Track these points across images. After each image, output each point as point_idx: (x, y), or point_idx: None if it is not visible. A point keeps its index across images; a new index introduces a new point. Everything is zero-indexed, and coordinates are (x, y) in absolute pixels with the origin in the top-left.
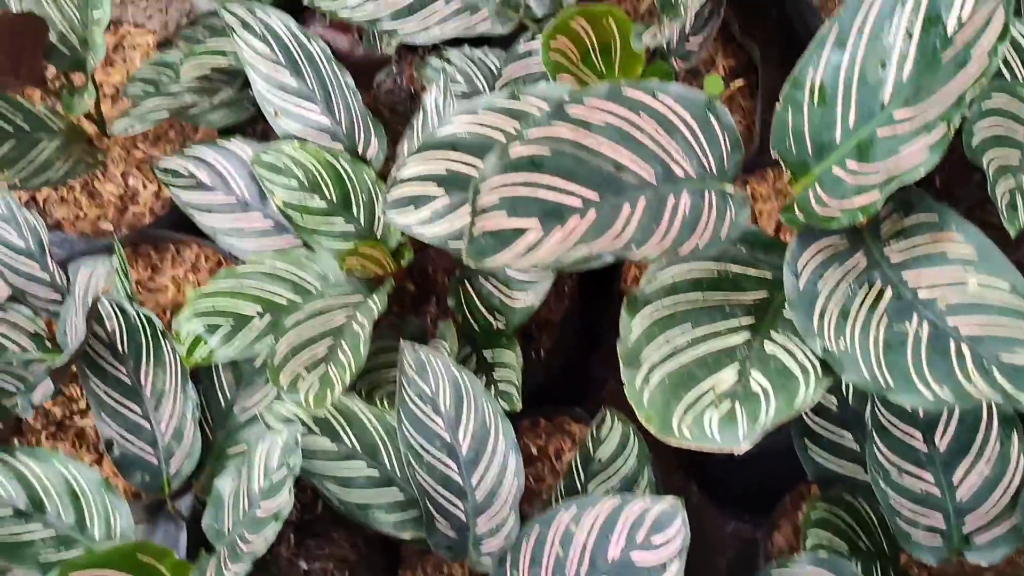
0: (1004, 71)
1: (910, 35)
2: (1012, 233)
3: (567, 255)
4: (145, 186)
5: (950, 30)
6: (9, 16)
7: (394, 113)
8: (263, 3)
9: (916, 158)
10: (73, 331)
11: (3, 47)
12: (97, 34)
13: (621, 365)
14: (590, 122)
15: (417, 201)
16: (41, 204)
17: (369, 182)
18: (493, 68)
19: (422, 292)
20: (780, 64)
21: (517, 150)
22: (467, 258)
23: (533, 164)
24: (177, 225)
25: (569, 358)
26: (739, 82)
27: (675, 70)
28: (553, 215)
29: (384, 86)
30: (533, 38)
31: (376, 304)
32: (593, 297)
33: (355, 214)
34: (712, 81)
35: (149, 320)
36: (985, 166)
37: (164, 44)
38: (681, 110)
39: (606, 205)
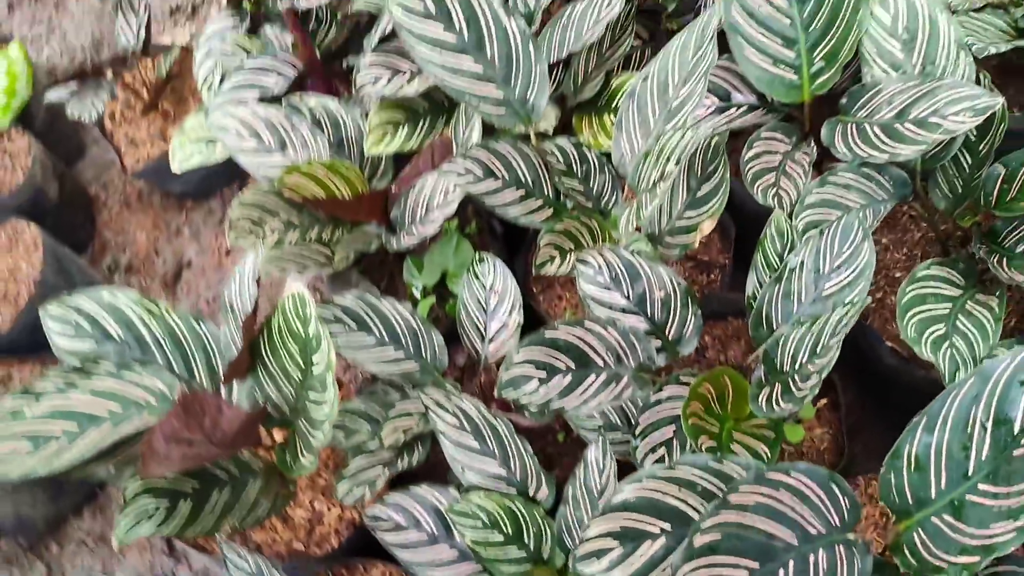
0: None
1: (984, 428)
2: None
3: None
4: (329, 509)
5: (1016, 430)
6: (246, 415)
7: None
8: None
9: (1006, 536)
10: None
11: (245, 432)
12: (324, 424)
13: None
14: (746, 504)
15: (599, 554)
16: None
17: (539, 518)
18: (626, 408)
19: None
20: (855, 382)
21: (698, 540)
22: None
23: (711, 549)
24: (359, 542)
25: None
26: (824, 401)
27: (783, 413)
28: None
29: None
30: (660, 389)
31: None
32: None
33: (526, 542)
34: (806, 409)
35: None
36: None
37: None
38: (810, 482)
39: (767, 572)
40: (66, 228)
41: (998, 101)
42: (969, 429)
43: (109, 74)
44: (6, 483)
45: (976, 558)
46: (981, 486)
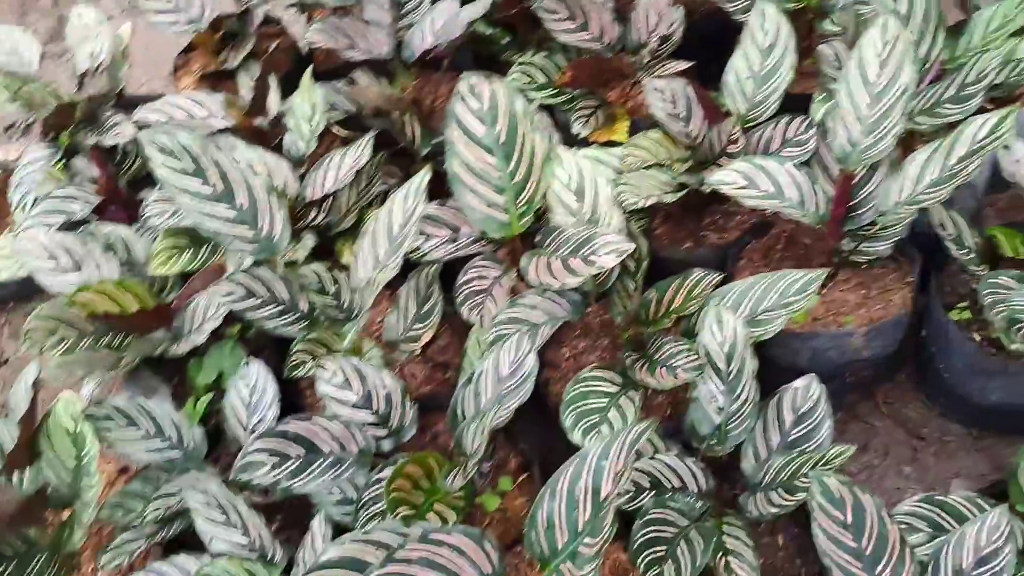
0: None
1: (586, 495)
2: None
3: None
4: None
5: (602, 497)
6: (24, 497)
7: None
8: None
9: None
10: None
11: (26, 512)
12: (91, 504)
13: None
14: (410, 559)
15: None
16: None
17: None
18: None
19: None
20: (549, 460)
21: None
22: None
23: None
24: None
25: None
26: (525, 475)
27: (476, 482)
28: None
29: None
30: (382, 470)
31: None
32: None
33: None
34: (504, 481)
35: None
36: None
37: (123, 470)
38: (466, 540)
39: None
40: None
41: (630, 247)
42: (577, 496)
43: None
44: None
45: None
46: (586, 540)
